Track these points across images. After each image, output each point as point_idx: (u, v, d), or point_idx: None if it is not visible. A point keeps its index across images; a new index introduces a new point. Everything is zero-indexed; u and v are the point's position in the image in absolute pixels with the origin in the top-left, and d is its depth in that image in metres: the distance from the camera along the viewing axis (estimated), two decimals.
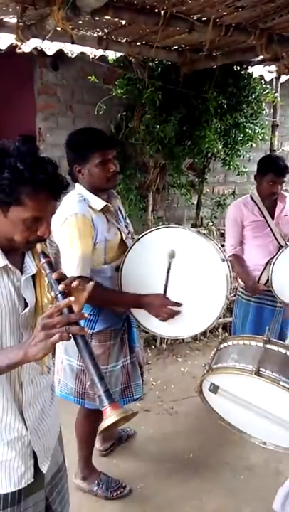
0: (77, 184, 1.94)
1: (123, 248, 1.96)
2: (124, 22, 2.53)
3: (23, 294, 1.18)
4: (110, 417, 0.99)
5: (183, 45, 3.08)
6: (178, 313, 1.85)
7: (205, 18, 2.39)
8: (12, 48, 2.87)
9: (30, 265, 1.21)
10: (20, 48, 2.78)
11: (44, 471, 1.29)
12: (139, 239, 1.89)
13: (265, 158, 2.83)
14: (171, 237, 1.87)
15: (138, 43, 2.97)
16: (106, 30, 2.76)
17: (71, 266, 1.76)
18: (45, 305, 1.21)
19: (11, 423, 1.21)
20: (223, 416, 2.09)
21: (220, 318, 1.91)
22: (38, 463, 1.27)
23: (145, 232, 1.89)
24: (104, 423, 0.99)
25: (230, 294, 1.88)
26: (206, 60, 3.15)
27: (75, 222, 1.78)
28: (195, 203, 4.12)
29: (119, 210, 2.08)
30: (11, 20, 2.53)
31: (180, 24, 2.41)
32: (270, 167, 2.69)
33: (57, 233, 1.78)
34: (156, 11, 2.33)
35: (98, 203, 1.87)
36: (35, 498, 1.29)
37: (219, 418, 2.10)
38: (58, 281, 1.10)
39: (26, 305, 1.19)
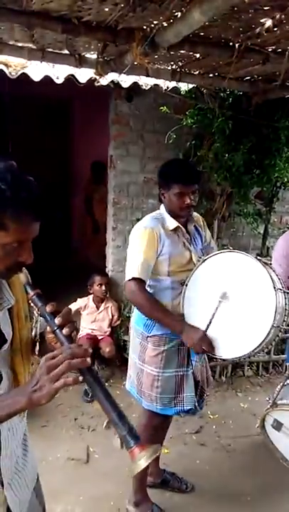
0: (162, 204, 2.19)
1: (191, 267, 2.09)
2: (198, 55, 2.60)
3: (2, 329, 1.07)
4: (141, 459, 0.88)
5: (255, 76, 3.09)
6: (213, 350, 1.90)
7: (280, 50, 2.38)
8: (91, 82, 3.06)
9: (8, 297, 1.10)
10: (98, 82, 2.95)
11: None
12: (204, 260, 2.03)
13: None
14: (232, 261, 1.96)
15: (210, 75, 3.03)
16: (180, 64, 2.85)
17: (131, 268, 2.01)
18: (24, 338, 1.13)
19: None
20: (286, 456, 1.97)
21: (265, 348, 1.89)
22: None
23: (210, 255, 2.04)
24: (136, 467, 0.88)
25: (283, 324, 1.84)
26: (279, 89, 3.12)
27: (143, 234, 2.04)
28: (261, 232, 4.02)
29: (198, 232, 2.25)
30: (92, 56, 2.70)
31: (254, 56, 2.42)
32: None
33: (130, 241, 2.13)
34: (231, 44, 2.36)
35: (172, 223, 2.10)
36: None
37: (281, 458, 1.98)
38: (53, 314, 1.00)
39: (3, 341, 1.08)
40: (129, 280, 2.00)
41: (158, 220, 2.10)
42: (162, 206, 2.17)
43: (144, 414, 2.22)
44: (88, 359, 0.94)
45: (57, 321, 0.99)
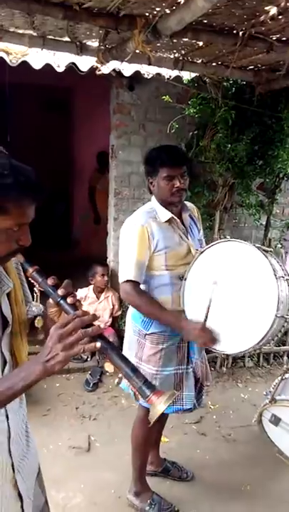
0: (152, 196, 2.11)
1: (190, 258, 2.02)
2: (201, 43, 2.56)
3: (4, 313, 1.10)
4: (159, 404, 0.94)
5: (259, 65, 3.05)
6: (215, 342, 1.81)
7: (285, 38, 2.35)
8: (92, 70, 3.02)
9: (6, 281, 1.12)
10: (100, 70, 2.91)
11: None
12: (202, 252, 1.95)
13: None
14: (230, 251, 1.89)
15: (214, 64, 2.99)
16: (182, 52, 2.81)
17: (125, 269, 1.96)
18: (22, 322, 1.15)
19: (1, 463, 1.10)
20: (283, 450, 1.98)
21: (271, 340, 1.83)
22: (24, 506, 1.16)
23: (208, 246, 1.95)
24: (154, 413, 0.94)
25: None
26: (283, 79, 3.08)
27: (134, 232, 1.96)
28: (264, 223, 4.01)
29: (194, 222, 2.17)
30: (93, 43, 2.66)
31: (258, 44, 2.38)
32: None
33: (120, 239, 2.05)
34: (235, 32, 2.33)
35: (164, 214, 2.01)
36: None
37: (278, 451, 1.99)
38: (55, 287, 1.03)
39: (6, 324, 1.11)
40: (124, 282, 1.96)
41: (149, 214, 2.01)
42: (153, 198, 2.08)
43: (141, 410, 2.19)
44: (101, 324, 0.96)
45: (60, 292, 1.01)
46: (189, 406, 2.10)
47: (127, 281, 1.94)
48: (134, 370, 0.98)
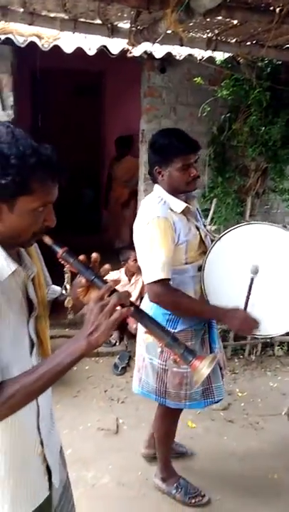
0: (156, 186, 1.96)
1: (203, 248, 1.95)
2: (235, 22, 2.47)
3: (30, 297, 1.11)
4: (202, 369, 0.97)
5: None
6: (258, 326, 1.76)
7: None
8: (123, 53, 2.98)
9: (30, 265, 1.13)
10: (131, 52, 2.87)
11: (57, 486, 1.23)
12: (220, 238, 1.84)
13: None
14: (254, 234, 1.80)
15: (248, 43, 2.88)
16: (216, 31, 2.72)
17: (154, 268, 1.79)
18: (45, 305, 1.17)
19: (31, 439, 1.14)
20: None
21: None
22: (52, 478, 1.20)
23: (226, 231, 1.83)
24: (199, 377, 0.97)
25: None
26: None
27: (158, 225, 1.80)
28: None
29: (197, 209, 2.08)
30: (125, 25, 2.62)
31: None
32: None
33: (139, 235, 1.88)
34: (271, 8, 2.23)
35: (178, 205, 1.88)
36: None
37: None
38: (86, 265, 1.04)
39: (31, 308, 1.11)
40: (153, 283, 1.78)
41: (164, 205, 1.86)
42: (158, 188, 1.93)
43: (160, 408, 2.17)
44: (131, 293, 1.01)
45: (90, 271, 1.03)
46: (220, 397, 2.07)
47: (158, 281, 1.77)
48: (175, 338, 1.01)
